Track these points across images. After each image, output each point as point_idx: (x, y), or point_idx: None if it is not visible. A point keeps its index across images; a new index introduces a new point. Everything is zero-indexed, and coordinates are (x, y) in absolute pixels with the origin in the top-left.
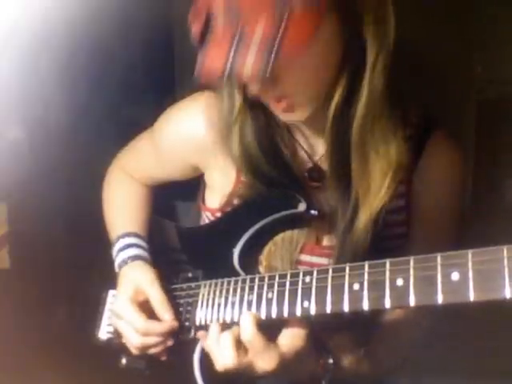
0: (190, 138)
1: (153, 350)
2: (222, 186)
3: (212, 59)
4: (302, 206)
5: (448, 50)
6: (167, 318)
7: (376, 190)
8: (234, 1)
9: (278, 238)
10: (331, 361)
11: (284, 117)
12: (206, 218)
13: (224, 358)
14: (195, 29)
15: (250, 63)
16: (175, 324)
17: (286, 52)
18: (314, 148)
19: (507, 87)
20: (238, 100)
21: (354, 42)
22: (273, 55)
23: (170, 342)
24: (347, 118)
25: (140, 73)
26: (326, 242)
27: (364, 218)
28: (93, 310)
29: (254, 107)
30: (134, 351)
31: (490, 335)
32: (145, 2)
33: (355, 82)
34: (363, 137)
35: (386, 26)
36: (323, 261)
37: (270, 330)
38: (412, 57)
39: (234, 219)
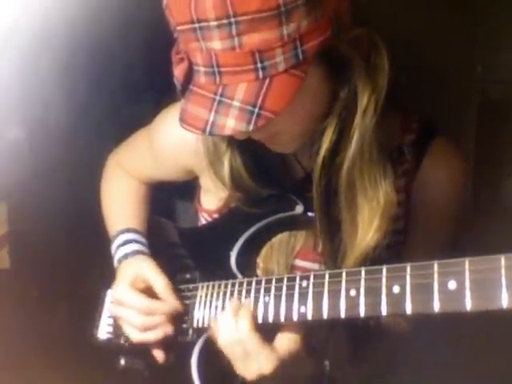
0: (184, 143)
1: (153, 335)
2: (217, 189)
3: (193, 116)
4: (299, 208)
5: (448, 50)
6: (172, 300)
7: (364, 233)
8: (213, 59)
9: (276, 240)
10: (327, 363)
11: (272, 149)
12: (203, 218)
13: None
14: (178, 73)
15: (230, 125)
16: (179, 306)
17: (269, 111)
18: (309, 159)
19: (508, 87)
20: None
21: (345, 85)
22: (254, 117)
23: (169, 329)
24: (336, 162)
25: (140, 73)
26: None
27: (352, 258)
28: (92, 309)
29: None
30: (135, 336)
31: (491, 334)
32: (145, 2)
33: (345, 123)
34: (352, 180)
35: (379, 71)
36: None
37: (265, 332)
38: (412, 57)
39: (231, 221)
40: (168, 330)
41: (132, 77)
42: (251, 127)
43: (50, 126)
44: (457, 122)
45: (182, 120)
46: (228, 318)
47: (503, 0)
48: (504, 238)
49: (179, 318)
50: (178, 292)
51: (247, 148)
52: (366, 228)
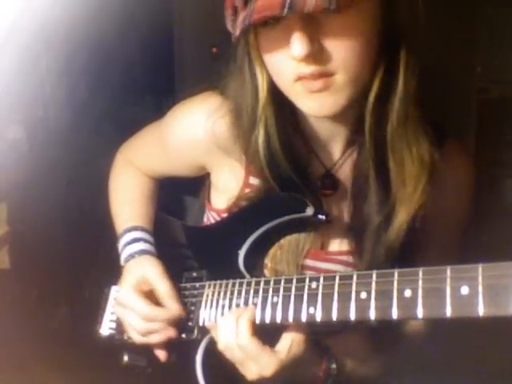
0: (197, 139)
1: (155, 338)
2: (228, 187)
3: (266, 6)
4: (309, 211)
5: (448, 50)
6: (173, 306)
7: (412, 191)
8: None
9: (285, 241)
10: (334, 366)
11: (314, 109)
12: (211, 217)
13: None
14: None
15: (312, 1)
16: (181, 312)
17: None
18: (329, 156)
19: (508, 87)
20: (262, 98)
21: (389, 34)
22: None
23: (171, 333)
24: (382, 117)
25: (139, 73)
26: (332, 247)
27: (400, 220)
28: (93, 309)
29: (278, 106)
30: (137, 338)
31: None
32: (145, 2)
33: (390, 79)
34: (398, 135)
35: (418, 18)
36: (329, 266)
37: (268, 333)
38: None
39: (240, 220)
40: (170, 333)
41: (131, 77)
42: (333, 5)
43: (50, 126)
44: (457, 121)
45: (252, 18)
46: (228, 323)
47: (503, 0)
48: (504, 238)
49: (184, 318)
50: (182, 295)
51: (281, 122)
52: (415, 184)
